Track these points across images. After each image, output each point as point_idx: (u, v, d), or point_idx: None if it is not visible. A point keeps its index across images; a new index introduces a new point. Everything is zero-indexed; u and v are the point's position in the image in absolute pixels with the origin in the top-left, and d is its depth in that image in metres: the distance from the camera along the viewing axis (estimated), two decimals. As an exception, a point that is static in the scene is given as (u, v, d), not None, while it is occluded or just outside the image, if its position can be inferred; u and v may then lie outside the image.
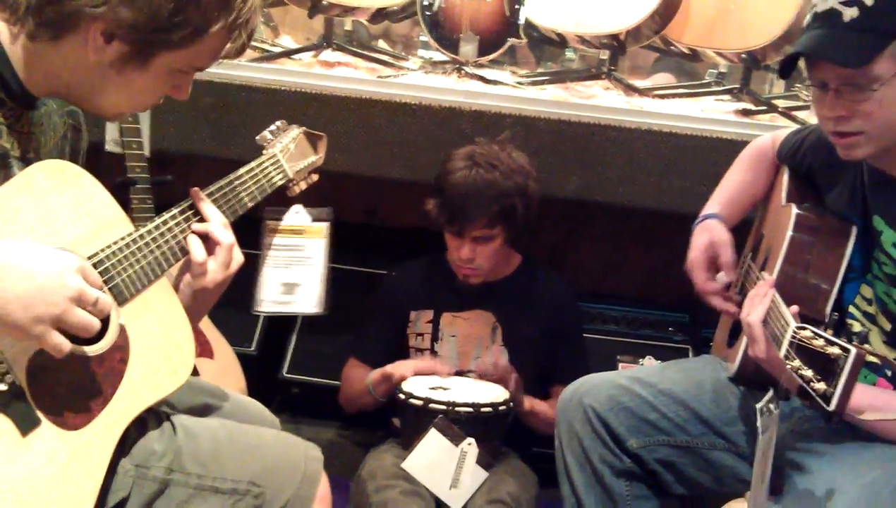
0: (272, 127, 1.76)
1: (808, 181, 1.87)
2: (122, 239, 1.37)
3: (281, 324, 2.80)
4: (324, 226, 1.80)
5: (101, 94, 1.34)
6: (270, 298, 1.76)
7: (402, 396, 2.20)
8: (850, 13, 1.51)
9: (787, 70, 1.66)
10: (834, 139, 1.61)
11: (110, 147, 2.40)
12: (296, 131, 1.80)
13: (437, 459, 2.11)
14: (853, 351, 1.28)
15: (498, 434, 2.22)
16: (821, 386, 1.31)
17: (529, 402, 2.34)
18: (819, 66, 1.57)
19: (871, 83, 1.51)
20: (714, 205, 2.00)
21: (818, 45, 1.55)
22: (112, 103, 1.36)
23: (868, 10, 1.49)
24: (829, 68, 1.54)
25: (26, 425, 1.18)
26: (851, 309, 1.70)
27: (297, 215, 1.78)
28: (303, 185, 1.78)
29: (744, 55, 2.82)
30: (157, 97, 1.39)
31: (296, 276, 1.77)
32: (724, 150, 2.49)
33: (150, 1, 1.24)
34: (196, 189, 1.51)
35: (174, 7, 1.26)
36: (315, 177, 1.83)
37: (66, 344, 1.17)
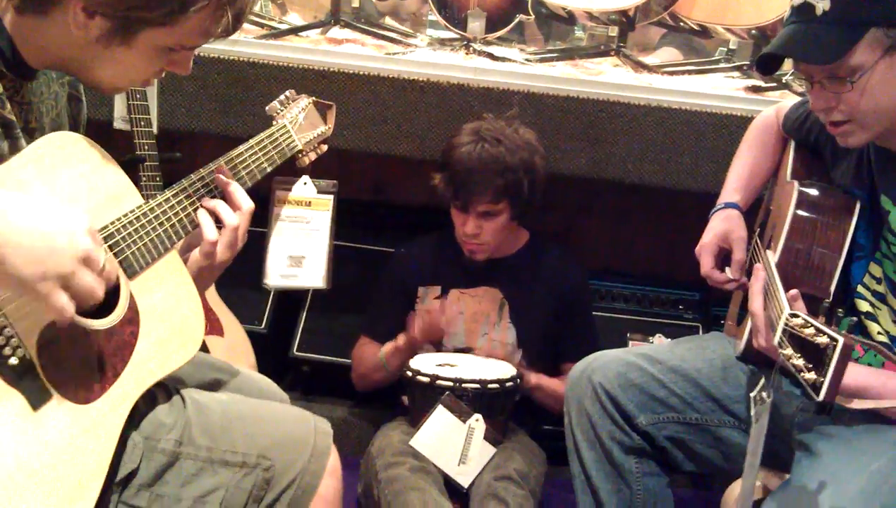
0: (281, 97, 1.76)
1: (814, 154, 1.86)
2: (132, 211, 1.37)
3: (291, 303, 2.80)
4: (329, 199, 1.80)
5: (93, 69, 1.33)
6: (278, 271, 1.76)
7: (409, 373, 2.20)
8: (822, 6, 1.50)
9: (765, 68, 1.64)
10: (829, 128, 1.61)
11: (119, 124, 2.40)
12: (305, 101, 1.79)
13: (444, 436, 2.11)
14: (841, 340, 1.24)
15: (505, 411, 2.23)
16: (811, 376, 1.27)
17: (536, 378, 2.34)
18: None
19: (850, 74, 1.50)
20: (731, 192, 1.97)
21: (789, 44, 1.56)
22: (105, 78, 1.35)
23: (839, 2, 1.48)
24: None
25: (37, 399, 1.17)
26: (860, 288, 1.69)
27: (304, 186, 1.78)
28: (312, 156, 1.78)
29: (754, 31, 2.80)
30: (152, 73, 1.38)
31: (302, 249, 1.76)
32: (733, 127, 2.48)
33: None
34: (224, 168, 1.52)
35: None
36: (324, 148, 1.82)
37: (70, 308, 1.13)
